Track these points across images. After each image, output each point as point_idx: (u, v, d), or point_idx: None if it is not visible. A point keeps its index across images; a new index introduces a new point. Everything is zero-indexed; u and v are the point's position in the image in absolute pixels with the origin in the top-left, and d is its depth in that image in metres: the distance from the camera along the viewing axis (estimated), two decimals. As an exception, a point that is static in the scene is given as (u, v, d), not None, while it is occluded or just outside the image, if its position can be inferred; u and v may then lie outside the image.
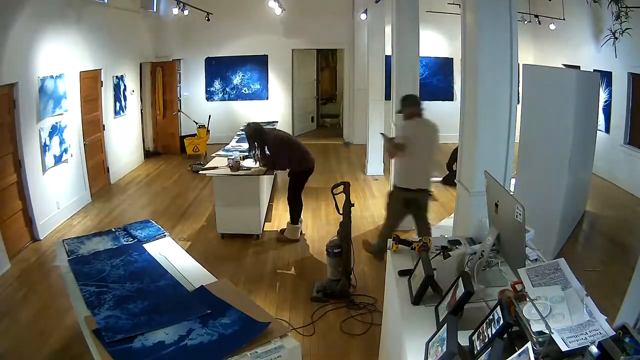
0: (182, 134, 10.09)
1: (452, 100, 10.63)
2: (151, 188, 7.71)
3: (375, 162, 8.31)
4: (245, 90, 11.08)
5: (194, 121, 9.88)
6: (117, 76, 7.97)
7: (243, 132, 7.76)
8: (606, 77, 7.43)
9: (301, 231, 5.65)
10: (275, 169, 5.51)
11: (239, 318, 2.30)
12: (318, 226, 5.93)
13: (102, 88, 7.43)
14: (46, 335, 3.65)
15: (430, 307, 2.05)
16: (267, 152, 5.32)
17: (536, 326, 1.46)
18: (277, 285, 4.49)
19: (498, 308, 1.57)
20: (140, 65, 9.19)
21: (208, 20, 9.19)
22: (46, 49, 5.68)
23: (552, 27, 8.86)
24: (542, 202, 4.57)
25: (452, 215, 4.10)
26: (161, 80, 9.79)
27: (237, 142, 6.91)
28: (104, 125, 7.55)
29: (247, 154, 5.96)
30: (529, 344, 1.38)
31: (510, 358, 1.38)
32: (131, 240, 3.32)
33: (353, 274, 4.27)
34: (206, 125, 9.72)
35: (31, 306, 4.09)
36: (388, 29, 7.45)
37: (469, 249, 2.42)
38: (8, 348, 3.52)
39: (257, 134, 5.25)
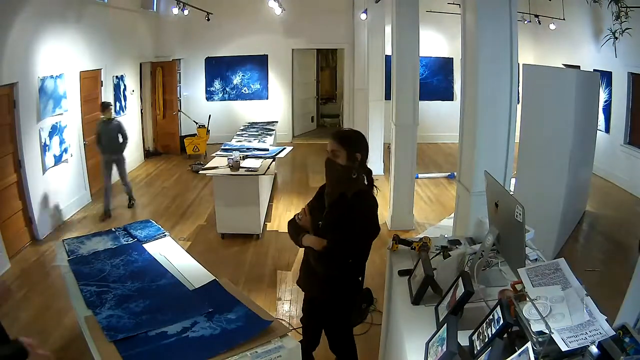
0: (182, 134, 10.10)
1: (452, 100, 10.63)
2: (151, 188, 7.71)
3: (375, 162, 8.30)
4: (245, 90, 11.08)
5: (194, 121, 9.88)
6: (117, 76, 7.96)
7: (244, 131, 7.81)
8: (606, 77, 7.43)
9: None
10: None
11: (245, 314, 2.31)
12: (318, 226, 5.92)
13: (102, 88, 7.43)
14: (46, 335, 3.65)
15: (430, 307, 2.05)
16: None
17: (536, 326, 1.46)
18: (277, 285, 4.49)
19: (498, 308, 1.57)
20: (140, 65, 9.19)
21: (208, 20, 9.19)
22: (46, 49, 5.68)
23: (552, 27, 8.86)
24: (542, 202, 4.57)
25: (452, 215, 4.10)
26: (161, 80, 9.79)
27: (237, 141, 6.93)
28: (104, 125, 7.54)
29: (247, 153, 5.97)
30: (529, 344, 1.38)
31: (510, 358, 1.38)
32: (131, 240, 3.32)
33: (353, 274, 4.25)
34: (206, 125, 9.72)
35: (31, 306, 4.09)
36: (388, 29, 7.45)
37: (469, 249, 2.42)
38: (8, 348, 3.51)
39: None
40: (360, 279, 2.56)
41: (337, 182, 2.33)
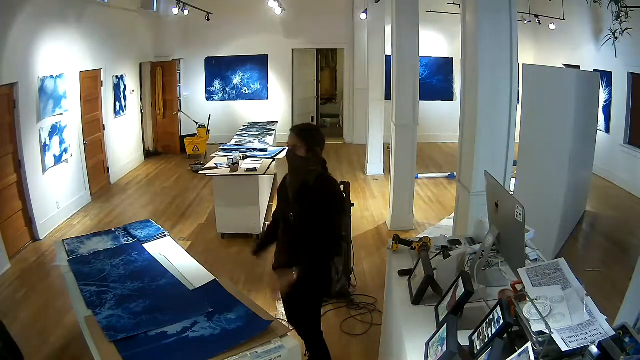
0: (182, 134, 10.09)
1: (452, 100, 10.63)
2: (151, 188, 7.71)
3: (375, 162, 8.31)
4: (245, 90, 11.08)
5: (194, 121, 9.88)
6: (117, 76, 7.96)
7: (244, 131, 7.81)
8: (606, 77, 7.43)
9: None
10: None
11: (245, 314, 2.32)
12: (318, 226, 5.92)
13: (102, 88, 7.43)
14: (46, 335, 3.65)
15: (430, 307, 2.05)
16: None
17: (536, 326, 1.46)
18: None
19: (498, 308, 1.57)
20: (140, 65, 9.19)
21: (208, 20, 9.18)
22: (46, 49, 5.68)
23: (552, 27, 8.86)
24: (542, 202, 4.57)
25: (452, 215, 4.10)
26: (161, 80, 9.78)
27: (236, 142, 6.93)
28: (104, 125, 7.55)
29: (247, 154, 5.97)
30: (529, 344, 1.38)
31: (510, 358, 1.38)
32: (131, 240, 3.32)
33: (353, 274, 4.27)
34: (206, 125, 9.72)
35: (31, 306, 4.09)
36: (388, 29, 7.45)
37: (469, 249, 2.42)
38: (8, 348, 3.51)
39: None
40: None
41: (298, 171, 2.58)
